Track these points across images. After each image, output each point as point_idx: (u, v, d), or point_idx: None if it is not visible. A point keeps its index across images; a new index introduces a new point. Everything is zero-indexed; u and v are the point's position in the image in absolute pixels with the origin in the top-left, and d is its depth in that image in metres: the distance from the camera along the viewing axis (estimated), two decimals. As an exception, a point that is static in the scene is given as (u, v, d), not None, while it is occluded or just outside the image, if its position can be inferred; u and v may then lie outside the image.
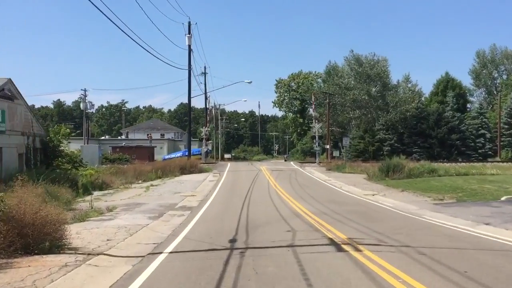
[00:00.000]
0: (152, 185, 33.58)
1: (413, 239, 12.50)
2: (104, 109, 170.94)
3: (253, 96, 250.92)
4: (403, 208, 20.56)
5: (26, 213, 10.58)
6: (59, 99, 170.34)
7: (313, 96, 73.83)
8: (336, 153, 63.57)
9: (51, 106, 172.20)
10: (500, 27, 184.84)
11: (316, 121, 67.64)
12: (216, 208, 20.76)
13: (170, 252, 11.20)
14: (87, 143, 70.35)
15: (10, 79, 30.83)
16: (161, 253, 11.11)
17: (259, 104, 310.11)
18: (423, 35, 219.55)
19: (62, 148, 36.95)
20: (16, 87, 31.60)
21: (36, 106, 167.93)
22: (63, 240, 11.16)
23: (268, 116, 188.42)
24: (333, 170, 49.97)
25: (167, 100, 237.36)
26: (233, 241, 12.43)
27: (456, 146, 71.12)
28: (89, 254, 10.75)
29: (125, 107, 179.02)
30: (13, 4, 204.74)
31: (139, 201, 24.02)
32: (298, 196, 25.97)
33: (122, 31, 24.16)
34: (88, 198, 25.72)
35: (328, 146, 66.54)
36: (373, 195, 27.15)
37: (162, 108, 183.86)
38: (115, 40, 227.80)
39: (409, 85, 76.71)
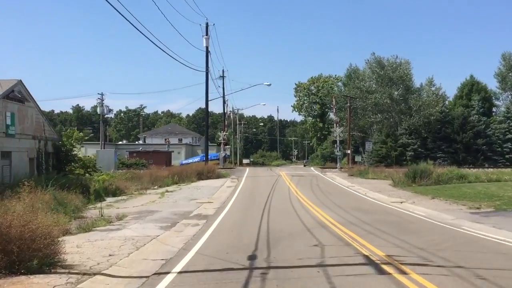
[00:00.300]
0: (167, 191, 32.18)
1: (463, 257, 10.77)
2: (122, 114, 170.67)
3: (272, 101, 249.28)
4: (437, 218, 18.83)
5: (13, 226, 9.08)
6: (78, 104, 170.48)
7: (333, 100, 71.95)
8: (358, 158, 61.58)
9: (70, 111, 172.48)
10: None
11: (337, 125, 65.73)
12: (233, 217, 19.17)
13: (179, 272, 9.61)
14: (104, 148, 69.38)
15: (20, 81, 29.65)
16: (168, 273, 9.53)
17: (277, 109, 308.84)
18: (446, 38, 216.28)
19: (75, 152, 35.69)
20: (26, 89, 30.42)
21: (56, 111, 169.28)
22: (56, 257, 9.63)
23: (286, 121, 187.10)
24: (356, 176, 48.14)
25: (185, 104, 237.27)
26: (252, 258, 10.79)
27: (482, 151, 68.69)
28: (84, 273, 9.20)
29: (143, 112, 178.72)
30: (31, 5, 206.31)
31: (152, 208, 22.57)
32: (321, 203, 24.29)
33: (137, 29, 22.78)
34: (100, 205, 24.44)
35: (349, 151, 64.64)
36: (401, 202, 25.43)
37: (181, 113, 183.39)
38: (132, 40, 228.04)
39: (433, 89, 74.36)
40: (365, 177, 46.47)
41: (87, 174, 35.88)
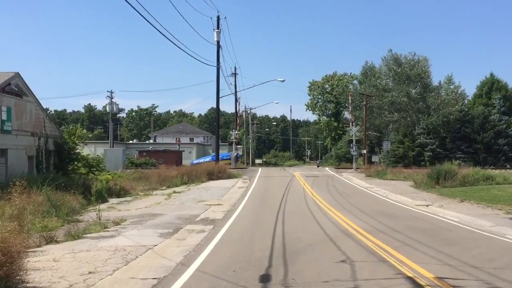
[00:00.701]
0: (175, 192, 30.29)
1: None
2: (134, 114, 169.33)
3: (285, 100, 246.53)
4: (473, 224, 16.66)
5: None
6: (90, 104, 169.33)
7: (349, 97, 69.45)
8: (375, 159, 59.16)
9: (82, 110, 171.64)
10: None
11: (353, 124, 63.29)
12: (244, 222, 17.08)
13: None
14: (113, 147, 67.62)
15: (17, 73, 27.75)
16: (157, 300, 7.48)
17: (290, 109, 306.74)
18: (465, 36, 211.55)
19: (78, 150, 33.79)
20: (25, 82, 28.52)
21: (68, 111, 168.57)
22: (17, 277, 7.59)
23: (300, 120, 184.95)
24: (373, 177, 45.89)
25: (197, 103, 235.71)
26: (265, 279, 8.66)
27: (503, 152, 65.95)
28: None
29: (155, 111, 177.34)
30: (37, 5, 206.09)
31: (156, 211, 20.60)
32: (341, 206, 22.15)
33: (148, 21, 21.04)
34: (101, 206, 22.68)
35: (365, 151, 62.23)
36: (427, 205, 23.30)
37: (193, 112, 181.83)
38: (144, 39, 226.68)
39: (452, 87, 71.67)
40: (383, 178, 44.27)
41: (90, 174, 33.97)
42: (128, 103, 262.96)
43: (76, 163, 33.86)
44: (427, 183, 33.50)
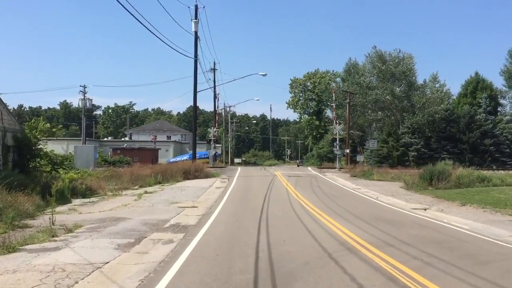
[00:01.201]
0: (146, 192, 27.66)
1: None
2: (110, 111, 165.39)
3: (265, 99, 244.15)
4: (489, 233, 14.34)
5: None
6: (65, 100, 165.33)
7: (333, 94, 66.95)
8: (360, 158, 56.76)
9: (58, 107, 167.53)
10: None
11: (336, 121, 60.84)
12: (221, 230, 14.42)
13: None
14: (85, 144, 64.37)
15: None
16: None
17: (270, 108, 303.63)
18: (449, 35, 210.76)
19: (40, 146, 30.71)
20: (-22, 69, 25.47)
21: (43, 108, 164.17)
22: None
23: (280, 120, 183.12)
24: (359, 177, 43.58)
25: (177, 98, 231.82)
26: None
27: (489, 152, 64.25)
28: None
29: (133, 109, 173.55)
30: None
31: (121, 214, 17.94)
32: (331, 210, 19.64)
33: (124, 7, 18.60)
34: (61, 208, 20.11)
35: (347, 151, 59.79)
36: (424, 209, 21.03)
37: (171, 111, 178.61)
38: (121, 34, 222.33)
39: (437, 85, 69.82)
40: (369, 178, 42.01)
41: (53, 172, 31.00)
42: (106, 101, 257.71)
43: (38, 160, 30.83)
44: (419, 184, 31.32)
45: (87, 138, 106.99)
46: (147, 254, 10.74)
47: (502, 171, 46.76)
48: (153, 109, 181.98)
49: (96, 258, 10.03)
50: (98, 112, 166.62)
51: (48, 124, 32.00)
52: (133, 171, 37.40)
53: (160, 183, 34.98)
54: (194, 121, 44.42)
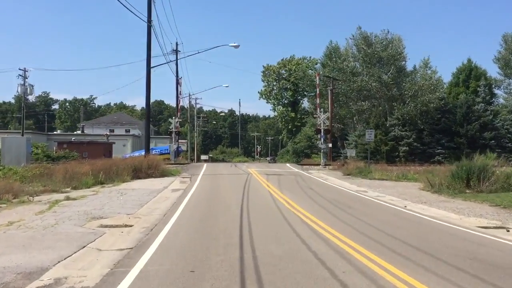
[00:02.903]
0: (68, 199, 19.17)
1: None
2: (67, 104, 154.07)
3: (234, 94, 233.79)
4: None
5: None
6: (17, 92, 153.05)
7: (317, 78, 57.87)
8: (351, 153, 48.07)
9: (13, 101, 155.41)
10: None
11: (320, 109, 51.96)
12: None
13: None
14: (23, 136, 54.40)
15: None
16: None
17: (239, 102, 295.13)
18: (438, 18, 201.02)
19: None
20: None
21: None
22: None
23: (249, 115, 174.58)
24: (355, 176, 35.10)
25: (142, 100, 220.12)
26: None
27: (490, 147, 56.48)
28: None
29: (93, 103, 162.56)
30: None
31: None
32: (359, 233, 11.06)
33: None
34: None
35: (330, 145, 51.10)
36: (508, 230, 12.60)
37: (135, 105, 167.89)
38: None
39: (429, 72, 61.74)
40: (368, 177, 33.74)
41: None
42: (67, 96, 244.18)
43: None
44: (451, 185, 22.89)
45: (37, 132, 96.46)
46: None
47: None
48: (115, 104, 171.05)
49: None
50: (57, 106, 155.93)
51: None
52: (68, 168, 28.20)
53: (102, 183, 26.37)
54: (147, 103, 34.68)
